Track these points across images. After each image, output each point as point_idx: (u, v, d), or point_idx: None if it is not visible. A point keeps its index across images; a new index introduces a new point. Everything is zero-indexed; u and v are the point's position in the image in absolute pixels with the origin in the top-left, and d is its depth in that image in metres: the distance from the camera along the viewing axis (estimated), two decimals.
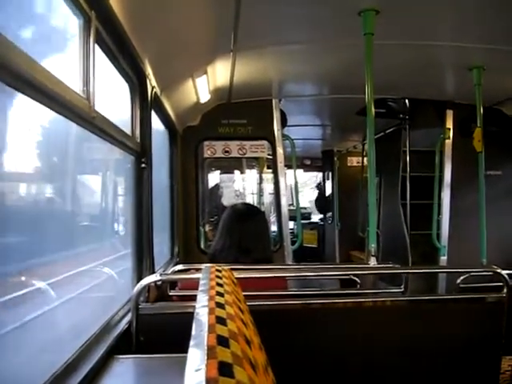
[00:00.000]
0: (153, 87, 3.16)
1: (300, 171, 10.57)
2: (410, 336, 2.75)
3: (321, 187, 10.62)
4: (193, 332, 1.00)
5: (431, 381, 2.74)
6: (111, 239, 3.17)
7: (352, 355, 2.68)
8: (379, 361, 2.69)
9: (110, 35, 2.29)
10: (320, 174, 10.49)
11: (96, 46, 2.09)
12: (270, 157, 5.56)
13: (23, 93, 1.44)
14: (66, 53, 2.06)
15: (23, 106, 1.58)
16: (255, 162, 7.46)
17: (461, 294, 3.05)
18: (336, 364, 2.65)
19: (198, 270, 2.74)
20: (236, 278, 2.03)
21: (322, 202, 10.26)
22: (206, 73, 3.95)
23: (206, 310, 1.16)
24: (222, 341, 0.94)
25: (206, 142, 5.47)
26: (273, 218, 5.95)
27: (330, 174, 9.87)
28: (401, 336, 2.74)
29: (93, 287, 2.59)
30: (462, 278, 3.33)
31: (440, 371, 2.73)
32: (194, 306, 1.27)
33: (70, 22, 1.95)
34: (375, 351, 2.70)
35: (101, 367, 1.97)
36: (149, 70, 2.99)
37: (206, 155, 5.55)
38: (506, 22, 3.24)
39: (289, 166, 6.21)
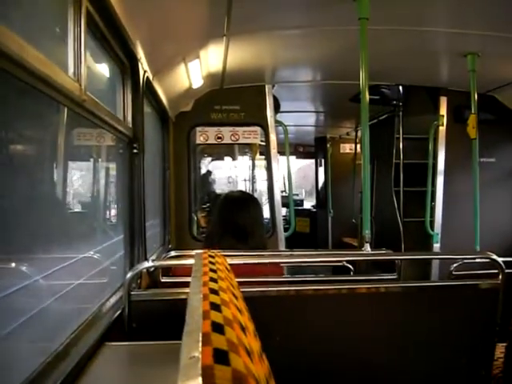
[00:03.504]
0: (145, 71, 3.12)
1: (293, 158, 10.56)
2: (404, 322, 2.74)
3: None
4: (186, 318, 0.98)
5: (425, 367, 2.73)
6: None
7: (346, 341, 2.68)
8: (373, 347, 2.69)
9: (102, 17, 2.26)
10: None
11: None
12: (263, 143, 5.53)
13: (12, 74, 1.41)
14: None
15: None
16: (248, 149, 7.46)
17: (455, 281, 3.04)
18: (330, 350, 2.64)
19: (191, 256, 2.72)
20: (229, 264, 2.01)
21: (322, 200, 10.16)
22: (198, 58, 3.91)
23: (200, 296, 1.14)
24: (217, 327, 0.92)
25: (199, 128, 5.44)
26: (265, 205, 5.93)
27: (323, 160, 9.86)
28: (394, 322, 2.74)
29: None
30: (455, 264, 3.33)
31: (434, 358, 2.73)
32: (186, 293, 1.25)
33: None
34: (369, 337, 2.69)
35: (93, 354, 1.96)
36: (141, 54, 2.95)
37: (198, 141, 5.52)
38: (501, 8, 3.22)
39: (281, 153, 6.19)
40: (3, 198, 1.59)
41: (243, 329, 1.07)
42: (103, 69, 2.79)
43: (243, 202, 3.22)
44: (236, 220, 3.07)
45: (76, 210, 2.63)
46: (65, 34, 1.95)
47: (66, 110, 2.06)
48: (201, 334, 0.87)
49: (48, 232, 2.00)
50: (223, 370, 0.76)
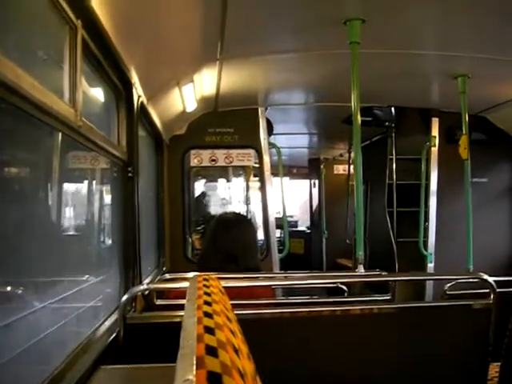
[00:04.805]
0: (139, 96, 3.15)
1: (286, 179, 10.59)
2: (398, 343, 2.75)
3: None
4: (181, 342, 0.99)
5: None
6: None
7: (340, 363, 2.68)
8: (367, 368, 2.69)
9: (97, 44, 2.29)
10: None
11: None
12: (257, 165, 5.56)
13: (8, 101, 1.43)
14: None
15: None
16: (242, 171, 7.48)
17: (448, 301, 3.06)
18: (324, 372, 2.64)
19: (185, 279, 2.73)
20: (223, 287, 2.02)
21: (316, 222, 10.17)
22: (192, 81, 3.94)
23: (194, 319, 1.15)
24: (211, 350, 0.94)
25: (193, 151, 5.47)
26: (260, 226, 5.94)
27: (317, 182, 9.89)
28: (388, 343, 2.75)
29: None
30: (449, 284, 3.34)
31: (427, 378, 2.73)
32: (181, 316, 1.26)
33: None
34: (363, 359, 2.70)
35: (87, 378, 1.96)
36: (135, 79, 2.98)
37: (192, 164, 5.54)
38: (490, 31, 3.27)
39: (275, 175, 6.22)
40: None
41: (237, 351, 1.08)
42: (98, 94, 2.82)
43: (236, 223, 3.25)
44: (228, 241, 3.08)
45: (70, 234, 2.63)
46: (61, 61, 1.98)
47: (60, 135, 2.08)
48: (195, 357, 0.88)
49: (39, 258, 2.00)
50: None
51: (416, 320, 2.81)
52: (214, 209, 8.15)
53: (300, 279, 3.45)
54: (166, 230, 5.11)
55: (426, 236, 5.60)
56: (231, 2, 2.72)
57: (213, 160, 5.47)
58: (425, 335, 2.77)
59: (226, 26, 3.04)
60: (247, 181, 7.56)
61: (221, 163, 5.51)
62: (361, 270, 3.16)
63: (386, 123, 6.05)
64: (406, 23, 3.20)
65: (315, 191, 10.15)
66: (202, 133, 5.39)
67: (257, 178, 5.99)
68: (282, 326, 2.68)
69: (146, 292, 2.90)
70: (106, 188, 3.17)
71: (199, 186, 8.30)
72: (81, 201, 2.87)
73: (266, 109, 5.47)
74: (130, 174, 3.03)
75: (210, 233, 3.24)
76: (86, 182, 2.96)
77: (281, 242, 6.55)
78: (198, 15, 2.88)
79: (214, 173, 8.11)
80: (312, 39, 3.51)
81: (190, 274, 2.54)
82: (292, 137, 7.62)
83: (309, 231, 10.76)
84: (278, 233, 6.27)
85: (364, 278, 3.39)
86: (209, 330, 1.07)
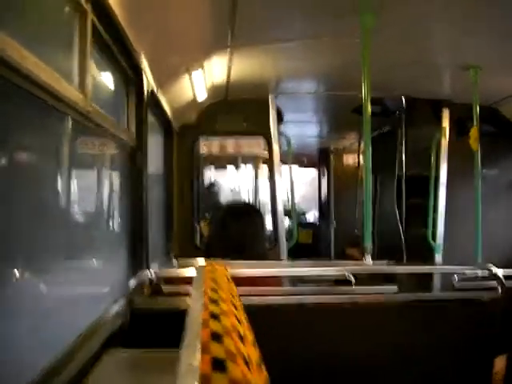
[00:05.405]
0: (149, 83, 3.15)
1: (295, 168, 10.57)
2: (404, 334, 2.75)
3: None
4: (186, 327, 0.99)
5: (424, 379, 2.74)
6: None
7: (346, 353, 2.68)
8: (372, 359, 2.69)
9: (106, 29, 2.28)
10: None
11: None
12: (267, 153, 5.55)
13: (17, 85, 1.43)
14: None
15: None
16: (252, 159, 7.48)
17: (456, 293, 3.05)
18: (330, 362, 2.65)
19: (192, 265, 2.74)
20: (230, 274, 2.02)
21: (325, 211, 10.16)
22: (202, 69, 3.93)
23: (200, 305, 1.16)
24: (216, 337, 0.94)
25: (203, 139, 5.47)
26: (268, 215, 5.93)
27: (326, 171, 9.86)
28: (394, 334, 2.75)
29: None
30: (457, 276, 3.33)
31: (433, 370, 2.73)
32: (188, 302, 1.26)
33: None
34: (369, 349, 2.70)
35: (94, 362, 1.97)
36: (145, 65, 2.98)
37: (202, 152, 5.54)
38: (502, 22, 3.24)
39: (285, 163, 6.21)
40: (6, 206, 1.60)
41: (242, 338, 1.09)
42: (108, 80, 2.82)
43: (244, 212, 3.26)
44: (237, 230, 3.10)
45: (78, 219, 2.64)
46: (70, 46, 1.98)
47: (70, 120, 2.08)
48: (199, 343, 0.88)
49: (50, 241, 2.01)
50: (221, 379, 0.78)
51: (423, 311, 2.81)
52: (224, 197, 8.17)
53: (306, 267, 3.45)
54: (175, 217, 5.12)
55: (434, 227, 5.58)
56: None
57: (222, 148, 5.47)
58: (431, 327, 2.77)
59: (237, 12, 3.03)
60: (256, 169, 7.56)
61: (230, 152, 5.51)
62: (368, 260, 3.16)
63: (396, 114, 6.01)
64: (419, 13, 3.18)
65: (324, 181, 10.13)
66: (211, 121, 5.38)
67: (266, 167, 5.98)
68: (288, 315, 2.69)
69: (154, 278, 2.92)
70: (115, 173, 3.18)
71: (209, 175, 8.32)
72: (90, 186, 2.88)
73: (277, 97, 5.46)
74: (138, 160, 3.04)
75: (219, 221, 3.26)
76: (95, 167, 2.97)
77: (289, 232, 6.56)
78: (209, 0, 2.87)
79: (223, 161, 8.12)
80: (323, 27, 3.49)
81: (198, 261, 2.55)
82: (302, 125, 7.60)
83: (317, 221, 10.75)
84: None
85: (371, 268, 3.39)
86: (214, 317, 1.07)
